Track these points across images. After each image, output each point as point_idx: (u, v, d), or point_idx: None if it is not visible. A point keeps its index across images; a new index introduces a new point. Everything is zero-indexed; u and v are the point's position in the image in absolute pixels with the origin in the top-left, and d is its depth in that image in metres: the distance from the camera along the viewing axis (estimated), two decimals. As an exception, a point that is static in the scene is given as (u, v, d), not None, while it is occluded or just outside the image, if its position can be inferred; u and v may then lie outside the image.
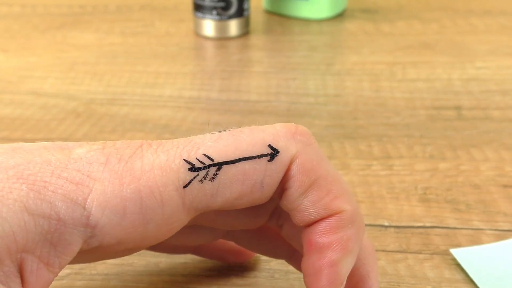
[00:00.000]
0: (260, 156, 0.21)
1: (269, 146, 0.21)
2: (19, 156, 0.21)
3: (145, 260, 0.30)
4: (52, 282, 0.28)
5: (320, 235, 0.22)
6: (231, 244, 0.29)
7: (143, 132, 0.42)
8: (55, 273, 0.20)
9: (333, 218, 0.22)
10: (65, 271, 0.29)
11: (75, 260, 0.22)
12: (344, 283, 0.22)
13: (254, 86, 0.49)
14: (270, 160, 0.21)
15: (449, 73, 0.50)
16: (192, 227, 0.24)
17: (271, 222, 0.25)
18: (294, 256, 0.27)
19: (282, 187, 0.22)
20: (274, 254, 0.28)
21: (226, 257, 0.30)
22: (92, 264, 0.30)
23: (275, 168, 0.21)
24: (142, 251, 0.31)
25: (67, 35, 0.58)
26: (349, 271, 0.22)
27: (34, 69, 0.51)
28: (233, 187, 0.21)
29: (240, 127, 0.22)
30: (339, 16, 0.62)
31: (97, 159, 0.21)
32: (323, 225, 0.22)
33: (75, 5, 0.64)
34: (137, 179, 0.20)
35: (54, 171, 0.20)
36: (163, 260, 0.30)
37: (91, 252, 0.21)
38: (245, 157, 0.21)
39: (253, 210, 0.24)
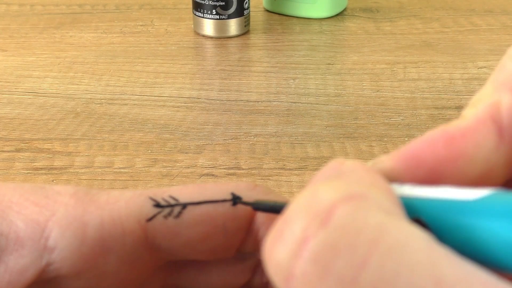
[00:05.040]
0: (223, 201, 0.22)
1: (232, 193, 0.22)
2: None
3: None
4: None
5: None
6: None
7: (142, 132, 0.42)
8: None
9: None
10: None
11: None
12: None
13: (254, 85, 0.48)
14: (233, 205, 0.22)
15: (451, 72, 0.50)
16: None
17: (256, 279, 0.25)
18: None
19: (255, 238, 0.22)
20: None
21: None
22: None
23: (238, 213, 0.22)
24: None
25: (65, 34, 0.57)
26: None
27: (33, 69, 0.51)
28: (197, 227, 0.21)
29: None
30: (340, 15, 0.62)
31: (66, 190, 0.21)
32: None
33: (74, 4, 0.64)
34: (101, 209, 0.20)
35: (23, 194, 0.20)
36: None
37: None
38: (209, 200, 0.22)
39: (234, 265, 0.24)
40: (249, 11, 0.58)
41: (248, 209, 0.22)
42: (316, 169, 0.38)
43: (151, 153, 0.40)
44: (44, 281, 0.20)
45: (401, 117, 0.43)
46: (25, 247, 0.19)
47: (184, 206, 0.21)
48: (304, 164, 0.38)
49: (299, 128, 0.42)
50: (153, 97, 0.46)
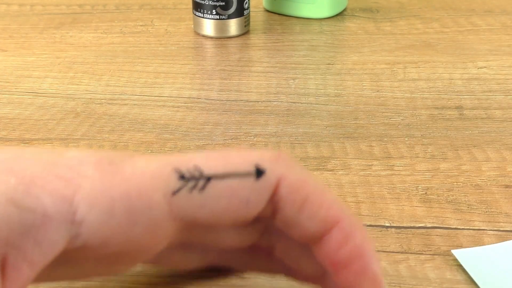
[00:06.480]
0: (247, 174, 0.22)
1: (256, 166, 0.22)
2: (9, 151, 0.21)
3: (143, 261, 0.30)
4: (51, 283, 0.28)
5: (337, 252, 0.22)
6: None
7: (142, 132, 0.42)
8: (36, 271, 0.20)
9: (336, 231, 0.22)
10: (63, 272, 0.29)
11: (57, 274, 0.21)
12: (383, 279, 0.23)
13: (254, 85, 0.48)
14: (256, 179, 0.22)
15: (451, 72, 0.50)
16: (183, 249, 0.24)
17: (263, 241, 0.25)
18: (293, 272, 0.27)
19: (274, 208, 0.23)
20: (270, 271, 0.28)
21: None
22: (90, 265, 0.29)
23: (261, 187, 0.22)
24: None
25: (65, 35, 0.57)
26: (379, 266, 0.23)
27: (33, 69, 0.51)
28: (220, 201, 0.21)
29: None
30: (340, 15, 0.62)
31: (88, 160, 0.21)
32: (332, 242, 0.22)
33: (73, 4, 0.64)
34: (127, 181, 0.20)
35: (45, 167, 0.20)
36: (162, 261, 0.30)
37: (74, 257, 0.21)
38: (233, 173, 0.22)
39: (244, 228, 0.24)
40: (249, 11, 0.58)
41: (272, 182, 0.22)
42: (316, 169, 0.38)
43: (151, 153, 0.40)
44: (71, 250, 0.20)
45: (401, 117, 0.43)
46: (53, 221, 0.19)
47: (209, 179, 0.21)
48: (304, 164, 0.38)
49: (299, 128, 0.42)
50: (153, 97, 0.46)
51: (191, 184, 0.21)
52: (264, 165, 0.22)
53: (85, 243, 0.20)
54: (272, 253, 0.26)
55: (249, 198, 0.22)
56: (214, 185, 0.21)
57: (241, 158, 0.22)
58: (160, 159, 0.22)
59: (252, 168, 0.22)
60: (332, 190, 0.24)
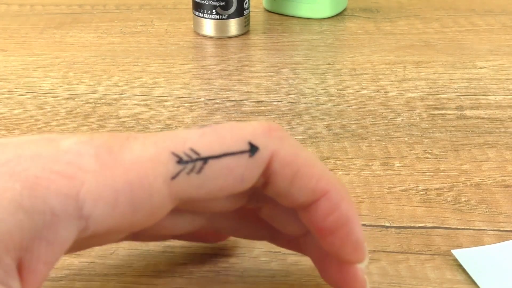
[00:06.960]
0: (242, 152, 0.22)
1: (249, 143, 0.23)
2: (9, 151, 0.21)
3: (144, 261, 0.30)
4: (51, 283, 0.28)
5: (323, 220, 0.24)
6: None
7: (142, 132, 0.42)
8: (51, 268, 0.21)
9: (324, 200, 0.24)
10: (63, 271, 0.29)
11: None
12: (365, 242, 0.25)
13: (254, 85, 0.48)
14: (250, 156, 0.22)
15: (451, 72, 0.50)
16: (172, 216, 0.25)
17: (250, 204, 0.26)
18: (276, 236, 0.28)
19: (265, 180, 0.24)
20: (256, 236, 0.29)
21: (205, 237, 0.30)
22: (91, 265, 0.29)
23: (255, 163, 0.23)
24: (141, 252, 0.30)
25: (65, 35, 0.57)
26: (362, 231, 0.24)
27: (33, 69, 0.51)
28: (217, 180, 0.22)
29: (218, 124, 0.23)
30: (340, 15, 0.62)
31: (86, 151, 0.21)
32: (320, 211, 0.24)
33: (74, 4, 0.64)
34: (128, 171, 0.21)
35: (45, 166, 0.20)
36: (163, 261, 0.30)
37: (80, 241, 0.22)
38: (228, 153, 0.22)
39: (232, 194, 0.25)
40: (249, 11, 0.58)
41: (265, 158, 0.23)
42: (316, 169, 0.38)
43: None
44: (77, 240, 0.21)
45: (401, 117, 0.43)
46: (62, 220, 0.20)
47: (206, 160, 0.22)
48: (304, 164, 0.38)
49: (299, 128, 0.42)
50: (153, 97, 0.46)
51: (189, 167, 0.22)
52: (258, 141, 0.23)
53: (92, 233, 0.21)
54: (258, 214, 0.27)
55: (243, 174, 0.22)
56: (211, 166, 0.22)
57: (235, 136, 0.23)
58: (156, 142, 0.22)
59: (246, 146, 0.22)
60: (320, 161, 0.25)
